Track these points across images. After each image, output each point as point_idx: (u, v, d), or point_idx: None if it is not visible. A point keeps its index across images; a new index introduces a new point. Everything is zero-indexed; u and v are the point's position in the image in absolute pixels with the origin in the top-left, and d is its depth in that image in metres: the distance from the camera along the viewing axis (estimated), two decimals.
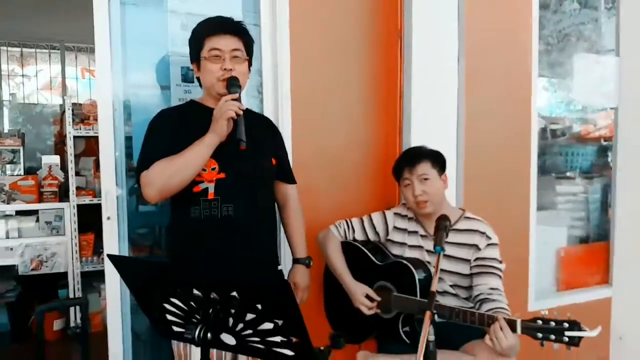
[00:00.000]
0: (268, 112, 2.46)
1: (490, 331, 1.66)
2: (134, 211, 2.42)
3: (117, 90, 2.30)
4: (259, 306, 1.12)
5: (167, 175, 1.68)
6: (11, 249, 3.88)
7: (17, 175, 4.15)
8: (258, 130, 1.84)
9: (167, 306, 1.26)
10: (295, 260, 2.03)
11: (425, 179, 2.04)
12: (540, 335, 1.59)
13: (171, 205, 1.85)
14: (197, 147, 1.69)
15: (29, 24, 6.21)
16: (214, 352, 1.74)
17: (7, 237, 3.90)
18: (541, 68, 3.12)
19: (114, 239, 2.26)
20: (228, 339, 1.23)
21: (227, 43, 1.78)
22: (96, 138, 4.04)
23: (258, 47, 2.40)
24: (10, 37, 6.90)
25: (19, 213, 4.07)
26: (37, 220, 4.01)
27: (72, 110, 4.06)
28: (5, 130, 4.62)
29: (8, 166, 4.51)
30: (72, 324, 4.08)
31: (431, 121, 2.53)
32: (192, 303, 1.21)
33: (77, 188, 4.03)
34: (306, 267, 2.03)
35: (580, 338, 1.55)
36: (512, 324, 1.64)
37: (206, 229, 1.75)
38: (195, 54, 1.82)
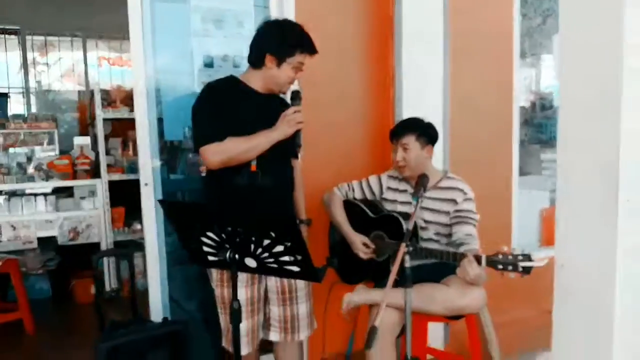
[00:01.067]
0: None
1: (460, 265, 2.04)
2: (166, 178, 2.83)
3: (150, 76, 2.65)
4: (273, 233, 1.51)
5: (237, 151, 2.07)
6: (51, 221, 4.27)
7: (53, 155, 4.53)
8: None
9: (204, 239, 1.66)
10: (300, 221, 2.41)
11: (406, 148, 2.38)
12: (500, 266, 1.93)
13: (212, 173, 2.19)
14: (264, 138, 2.08)
15: (53, 14, 6.54)
16: (248, 295, 2.15)
17: (47, 211, 4.29)
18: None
19: (151, 201, 2.66)
20: (250, 262, 1.63)
21: (306, 61, 2.17)
22: (121, 120, 4.49)
23: None
24: (35, 28, 7.18)
25: (56, 190, 4.44)
26: (73, 196, 4.39)
27: (101, 95, 4.46)
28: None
29: (39, 147, 4.86)
30: (107, 289, 4.53)
31: (420, 97, 2.87)
32: (224, 235, 1.61)
33: (107, 166, 4.41)
34: (307, 226, 2.43)
35: (531, 268, 1.90)
36: (478, 259, 1.99)
37: (248, 194, 2.13)
38: (281, 54, 2.11)
